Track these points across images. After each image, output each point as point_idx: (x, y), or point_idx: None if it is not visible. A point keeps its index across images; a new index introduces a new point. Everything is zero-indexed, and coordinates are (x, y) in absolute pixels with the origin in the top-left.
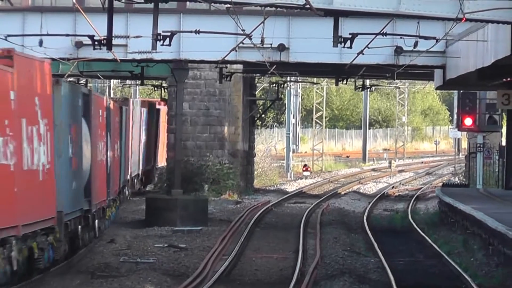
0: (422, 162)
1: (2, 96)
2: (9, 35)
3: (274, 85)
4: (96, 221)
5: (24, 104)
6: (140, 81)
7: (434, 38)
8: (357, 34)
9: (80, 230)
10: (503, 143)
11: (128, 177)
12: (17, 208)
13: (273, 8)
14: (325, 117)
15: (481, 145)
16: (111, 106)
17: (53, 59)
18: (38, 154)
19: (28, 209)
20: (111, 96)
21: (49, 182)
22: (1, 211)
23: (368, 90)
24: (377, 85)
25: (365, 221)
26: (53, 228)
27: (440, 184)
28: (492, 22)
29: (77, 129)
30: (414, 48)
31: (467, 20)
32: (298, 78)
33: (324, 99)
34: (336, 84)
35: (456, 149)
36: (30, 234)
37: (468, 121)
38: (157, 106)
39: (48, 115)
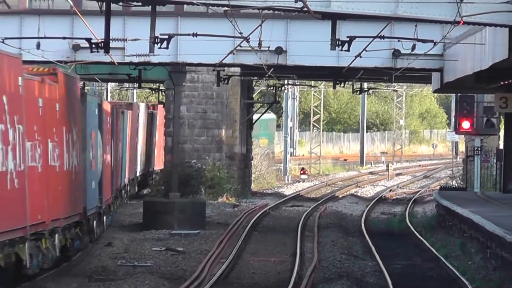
0: (420, 165)
1: (51, 107)
2: (6, 38)
3: (271, 88)
4: (104, 216)
5: (64, 115)
6: (137, 84)
7: (431, 41)
8: (354, 37)
9: (95, 224)
10: (501, 146)
11: (127, 179)
12: (60, 203)
13: (271, 11)
14: (323, 120)
15: (479, 148)
16: (115, 111)
17: (50, 62)
18: (72, 157)
19: (66, 205)
20: (108, 99)
21: (78, 182)
22: (51, 206)
23: (366, 93)
24: (375, 88)
25: (362, 224)
26: (81, 222)
27: (438, 187)
28: (490, 25)
29: (95, 135)
30: (412, 51)
31: (464, 23)
32: (296, 81)
33: (322, 102)
34: (334, 87)
35: (454, 152)
36: (67, 226)
37: (465, 124)
38: (154, 110)
39: (77, 124)
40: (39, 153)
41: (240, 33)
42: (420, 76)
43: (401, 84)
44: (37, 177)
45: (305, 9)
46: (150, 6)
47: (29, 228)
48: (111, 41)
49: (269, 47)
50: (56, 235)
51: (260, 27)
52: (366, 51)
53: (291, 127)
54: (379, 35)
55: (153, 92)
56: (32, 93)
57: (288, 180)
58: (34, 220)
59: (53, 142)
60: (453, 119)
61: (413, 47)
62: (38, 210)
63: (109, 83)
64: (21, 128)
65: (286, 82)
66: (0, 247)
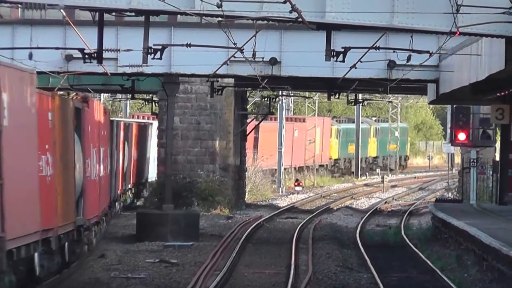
0: (415, 177)
1: (105, 132)
2: None
3: (265, 99)
4: (116, 202)
5: (109, 136)
6: (130, 95)
7: (427, 52)
8: (349, 48)
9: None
10: (497, 158)
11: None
12: (107, 195)
13: (265, 22)
14: None
15: (475, 160)
16: (120, 126)
17: (43, 73)
18: (110, 165)
19: (105, 198)
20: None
21: (109, 181)
22: (105, 196)
23: (361, 104)
24: (370, 99)
25: (357, 236)
26: (110, 206)
27: (433, 199)
28: (486, 36)
29: (115, 148)
30: (407, 62)
31: (461, 33)
32: (290, 92)
33: (316, 114)
34: (329, 98)
35: (450, 164)
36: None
37: (461, 136)
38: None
39: (110, 141)
40: (106, 163)
41: (234, 43)
42: (415, 87)
43: (396, 95)
44: (106, 178)
45: (300, 19)
46: (143, 17)
47: (105, 209)
48: (104, 51)
49: (263, 58)
50: (102, 221)
51: (254, 37)
52: (361, 62)
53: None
54: (374, 45)
55: (146, 103)
56: (103, 125)
57: (282, 192)
58: (104, 205)
59: (106, 156)
60: (448, 131)
61: (409, 58)
62: (104, 199)
63: (102, 94)
64: (105, 148)
65: (280, 93)
66: (103, 215)
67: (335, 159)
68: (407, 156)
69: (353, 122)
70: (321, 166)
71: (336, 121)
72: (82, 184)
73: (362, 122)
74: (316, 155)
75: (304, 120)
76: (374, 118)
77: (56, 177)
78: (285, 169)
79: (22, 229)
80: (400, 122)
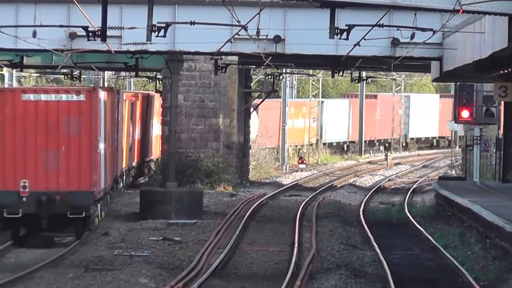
0: (419, 155)
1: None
2: (2, 26)
3: (269, 77)
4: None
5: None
6: (134, 73)
7: (431, 29)
8: (353, 26)
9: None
10: (500, 136)
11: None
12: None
13: None
14: None
15: (478, 138)
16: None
17: (46, 50)
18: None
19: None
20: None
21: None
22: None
23: (365, 82)
24: (374, 77)
25: (361, 214)
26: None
27: (437, 177)
28: (489, 13)
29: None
30: (411, 39)
31: (464, 11)
32: (294, 69)
33: (320, 91)
34: (332, 76)
35: (453, 142)
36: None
37: (465, 114)
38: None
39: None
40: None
41: (238, 21)
42: (419, 65)
43: (400, 73)
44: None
45: None
46: None
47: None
48: (108, 29)
49: (267, 36)
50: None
51: (258, 15)
52: (365, 39)
53: None
54: (378, 23)
55: (150, 80)
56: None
57: (286, 169)
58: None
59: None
60: (452, 108)
61: (412, 36)
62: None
63: (106, 72)
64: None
65: (284, 70)
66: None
67: None
68: None
69: None
70: None
71: None
72: None
73: None
74: None
75: None
76: None
77: None
78: (442, 137)
79: None
80: None
